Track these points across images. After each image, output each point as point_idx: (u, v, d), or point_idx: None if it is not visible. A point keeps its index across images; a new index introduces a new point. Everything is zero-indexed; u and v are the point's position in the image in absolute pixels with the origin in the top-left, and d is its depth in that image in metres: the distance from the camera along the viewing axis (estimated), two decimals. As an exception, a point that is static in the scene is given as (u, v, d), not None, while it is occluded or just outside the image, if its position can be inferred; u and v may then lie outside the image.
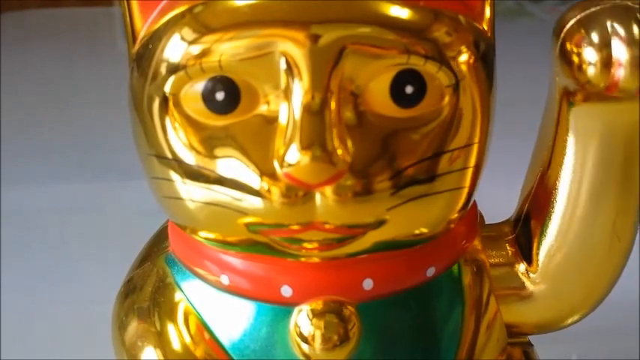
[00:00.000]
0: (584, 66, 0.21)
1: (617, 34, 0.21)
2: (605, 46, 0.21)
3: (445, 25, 0.21)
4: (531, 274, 0.25)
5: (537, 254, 0.24)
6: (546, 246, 0.24)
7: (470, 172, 0.22)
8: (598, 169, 0.23)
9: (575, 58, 0.21)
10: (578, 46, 0.21)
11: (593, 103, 0.22)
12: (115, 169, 0.56)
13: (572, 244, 0.24)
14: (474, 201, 0.25)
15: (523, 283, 0.25)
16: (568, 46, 0.21)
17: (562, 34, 0.22)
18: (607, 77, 0.21)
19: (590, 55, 0.21)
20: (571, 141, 0.23)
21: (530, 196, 0.25)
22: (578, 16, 0.21)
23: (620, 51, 0.21)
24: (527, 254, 0.25)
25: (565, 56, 0.21)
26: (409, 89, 0.21)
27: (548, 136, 0.24)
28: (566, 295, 0.25)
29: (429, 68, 0.21)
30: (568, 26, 0.21)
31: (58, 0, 0.96)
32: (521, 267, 0.25)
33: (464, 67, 0.21)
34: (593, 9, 0.21)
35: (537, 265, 0.24)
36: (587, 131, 0.23)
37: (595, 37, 0.21)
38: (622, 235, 0.24)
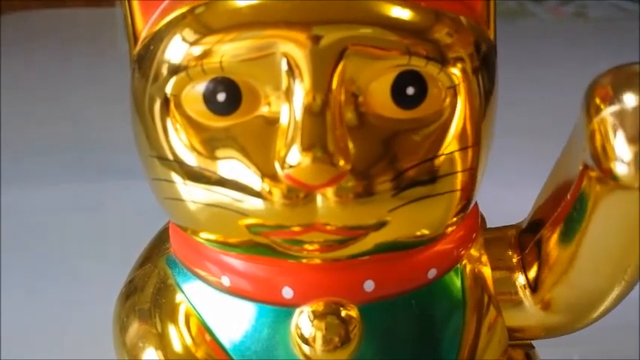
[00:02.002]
0: (616, 162, 0.20)
1: None
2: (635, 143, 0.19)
3: (446, 26, 0.21)
4: (530, 297, 0.25)
5: (544, 288, 0.24)
6: (551, 281, 0.24)
7: (471, 173, 0.22)
8: (619, 242, 0.22)
9: (606, 148, 0.20)
10: (607, 132, 0.20)
11: (617, 192, 0.21)
12: (116, 170, 0.56)
13: (578, 285, 0.24)
14: (476, 203, 0.25)
15: (518, 291, 0.25)
16: (597, 127, 0.20)
17: (593, 115, 0.20)
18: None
19: (622, 152, 0.20)
20: (594, 215, 0.22)
21: (550, 223, 0.24)
22: (614, 107, 0.20)
23: None
24: (533, 284, 0.24)
25: (593, 140, 0.20)
26: (410, 90, 0.21)
27: (570, 174, 0.23)
28: (562, 317, 0.25)
29: (430, 69, 0.21)
30: (602, 115, 0.20)
31: (60, 1, 0.96)
32: (521, 279, 0.25)
33: (465, 69, 0.21)
34: (630, 96, 0.20)
35: (536, 290, 0.24)
36: (609, 211, 0.22)
37: (629, 130, 0.20)
38: (630, 279, 0.23)
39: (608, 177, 0.20)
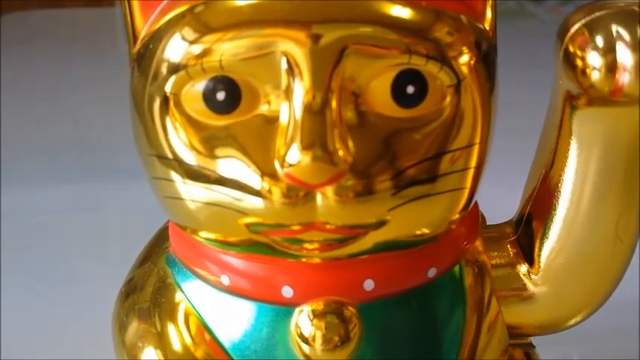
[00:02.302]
0: (588, 70, 0.21)
1: (622, 38, 0.20)
2: (609, 51, 0.21)
3: (447, 25, 0.21)
4: (533, 276, 0.25)
5: (539, 256, 0.24)
6: (548, 248, 0.24)
7: (471, 172, 0.22)
8: (600, 173, 0.23)
9: (579, 62, 0.21)
10: (582, 50, 0.21)
11: (597, 108, 0.22)
12: (116, 169, 0.56)
13: (574, 245, 0.24)
14: (476, 202, 0.25)
15: (524, 284, 0.25)
16: (572, 49, 0.21)
17: (566, 38, 0.21)
18: (611, 82, 0.21)
19: (594, 60, 0.21)
20: (573, 144, 0.23)
21: (532, 198, 0.25)
22: (583, 20, 0.21)
23: (624, 56, 0.20)
24: (528, 255, 0.25)
25: (569, 60, 0.21)
26: (410, 89, 0.21)
27: (550, 139, 0.24)
28: (568, 297, 0.25)
29: (430, 68, 0.21)
30: (572, 30, 0.21)
31: (60, 0, 0.96)
32: (523, 268, 0.25)
33: (465, 68, 0.21)
34: (597, 13, 0.21)
35: (539, 267, 0.24)
36: (589, 135, 0.23)
37: (600, 41, 0.21)
38: (624, 237, 0.24)
39: (587, 87, 0.21)
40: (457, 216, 0.23)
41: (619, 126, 0.22)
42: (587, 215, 0.23)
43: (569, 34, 0.21)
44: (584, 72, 0.21)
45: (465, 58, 0.21)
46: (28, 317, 0.43)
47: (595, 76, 0.21)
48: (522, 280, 0.25)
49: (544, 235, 0.24)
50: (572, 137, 0.23)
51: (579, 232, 0.24)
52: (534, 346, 0.27)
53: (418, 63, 0.21)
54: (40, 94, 0.74)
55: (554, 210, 0.24)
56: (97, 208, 0.54)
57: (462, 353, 0.24)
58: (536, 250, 0.24)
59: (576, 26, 0.21)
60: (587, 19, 0.21)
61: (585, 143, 0.23)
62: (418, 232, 0.22)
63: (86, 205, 0.55)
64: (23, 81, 0.77)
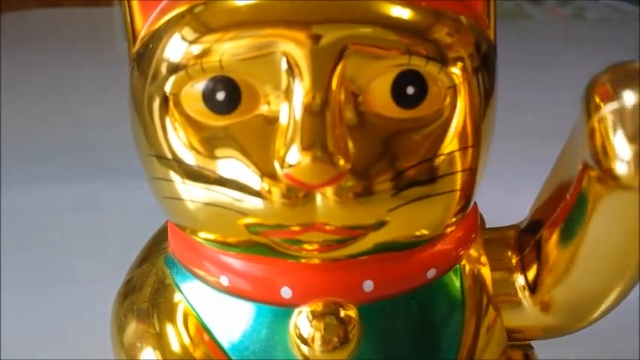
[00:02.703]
0: (616, 162, 0.20)
1: None
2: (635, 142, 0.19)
3: (447, 25, 0.21)
4: (529, 298, 0.24)
5: (544, 290, 0.24)
6: (556, 290, 0.24)
7: (470, 173, 0.22)
8: (618, 243, 0.22)
9: (606, 147, 0.20)
10: (607, 130, 0.20)
11: (617, 192, 0.21)
12: (115, 169, 0.56)
13: (581, 290, 0.24)
14: (475, 203, 0.25)
15: (517, 292, 0.25)
16: (596, 125, 0.20)
17: (593, 116, 0.20)
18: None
19: (622, 151, 0.20)
20: (594, 215, 0.22)
21: (546, 225, 0.24)
22: (613, 104, 0.20)
23: None
24: (531, 284, 0.24)
25: (593, 139, 0.20)
26: (410, 90, 0.21)
27: (569, 174, 0.23)
28: (571, 315, 0.25)
29: (430, 69, 0.21)
30: (601, 113, 0.20)
31: (58, 0, 0.96)
32: (520, 280, 0.25)
33: (465, 68, 0.21)
34: (629, 93, 0.20)
35: (541, 299, 0.24)
36: (609, 211, 0.22)
37: (629, 129, 0.19)
38: (629, 281, 0.23)
39: (608, 176, 0.20)
40: (456, 217, 0.23)
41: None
42: (599, 273, 0.23)
43: (597, 117, 0.20)
44: (609, 158, 0.20)
45: (464, 59, 0.21)
46: (27, 317, 0.43)
47: (622, 169, 0.20)
48: (516, 290, 0.25)
49: (552, 279, 0.24)
50: (591, 207, 0.22)
51: (586, 278, 0.23)
52: (532, 347, 0.27)
53: (418, 64, 0.21)
54: (40, 93, 0.74)
55: (570, 266, 0.23)
56: (96, 208, 0.54)
57: (461, 354, 0.24)
58: (542, 284, 0.24)
59: (605, 110, 0.20)
60: (617, 103, 0.20)
61: (604, 217, 0.22)
62: (418, 233, 0.22)
63: (86, 205, 0.55)
64: (22, 81, 0.77)
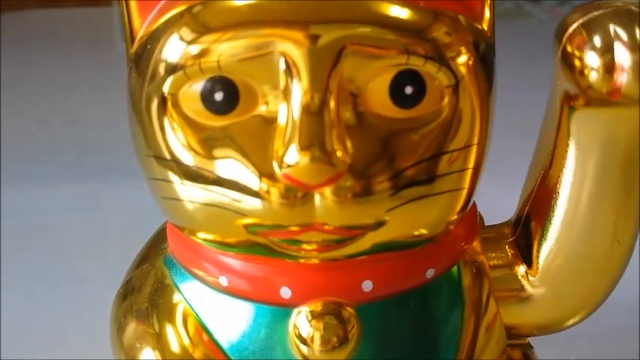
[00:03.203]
0: (585, 71, 0.21)
1: (619, 38, 0.20)
2: (607, 51, 0.20)
3: (445, 25, 0.21)
4: (531, 277, 0.25)
5: (537, 257, 0.24)
6: (546, 249, 0.24)
7: (469, 173, 0.22)
8: (599, 174, 0.23)
9: (577, 63, 0.21)
10: (580, 50, 0.21)
11: (595, 108, 0.22)
12: (115, 170, 0.56)
13: (573, 247, 0.24)
14: (474, 202, 0.25)
15: (522, 285, 0.25)
16: (570, 49, 0.21)
17: (564, 38, 0.21)
18: (609, 83, 0.21)
19: (592, 60, 0.21)
20: (572, 145, 0.23)
21: (531, 199, 0.25)
22: (581, 20, 0.21)
23: (622, 56, 0.20)
24: (526, 257, 0.25)
25: (567, 60, 0.21)
26: (409, 90, 0.21)
27: (548, 139, 0.24)
28: (567, 297, 0.25)
29: (428, 69, 0.21)
30: (570, 30, 0.21)
31: (58, 0, 0.96)
32: (521, 269, 0.25)
33: (463, 68, 0.21)
34: (595, 13, 0.21)
35: (537, 268, 0.24)
36: (588, 136, 0.23)
37: (597, 41, 0.21)
38: (622, 238, 0.24)
39: (585, 88, 0.21)
40: (455, 217, 0.23)
41: (617, 127, 0.22)
42: (586, 216, 0.23)
43: (567, 34, 0.21)
44: (582, 72, 0.21)
45: (463, 59, 0.21)
46: (27, 317, 0.44)
47: (593, 76, 0.21)
48: (520, 282, 0.25)
49: (542, 237, 0.24)
50: (571, 138, 0.23)
51: (577, 233, 0.24)
52: (532, 347, 0.27)
53: (416, 63, 0.21)
54: (39, 93, 0.74)
55: (553, 211, 0.24)
56: (96, 208, 0.55)
57: (460, 354, 0.24)
58: (534, 251, 0.24)
59: (574, 26, 0.21)
60: (585, 18, 0.21)
61: (583, 144, 0.23)
62: (416, 233, 0.22)
63: (86, 205, 0.55)
64: (22, 81, 0.77)
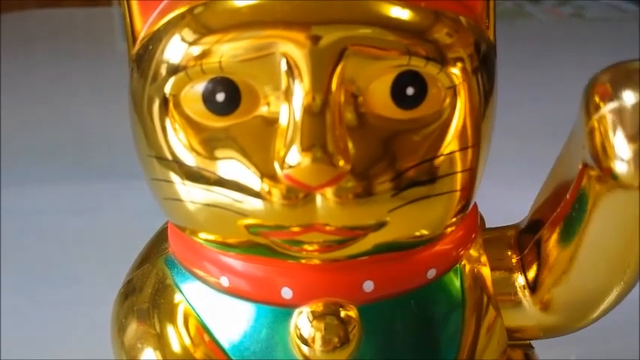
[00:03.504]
0: (615, 161, 0.20)
1: None
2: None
3: (446, 26, 0.21)
4: (529, 297, 0.24)
5: (544, 290, 0.24)
6: (555, 285, 0.24)
7: (470, 173, 0.22)
8: (618, 242, 0.22)
9: (606, 147, 0.20)
10: (609, 133, 0.20)
11: (617, 191, 0.21)
12: (115, 170, 0.56)
13: (582, 285, 0.24)
14: (475, 203, 0.25)
15: (517, 292, 0.25)
16: (596, 125, 0.20)
17: (593, 118, 0.20)
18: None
19: (622, 150, 0.20)
20: (594, 214, 0.22)
21: (546, 224, 0.24)
22: (611, 105, 0.20)
23: None
24: (532, 284, 0.24)
25: (593, 138, 0.20)
26: (410, 91, 0.21)
27: (569, 174, 0.23)
28: (566, 318, 0.25)
29: (429, 70, 0.21)
30: (600, 112, 0.20)
31: (58, 0, 0.96)
32: (520, 280, 0.25)
33: (465, 69, 0.21)
34: (628, 94, 0.20)
35: (541, 299, 0.24)
36: (609, 210, 0.22)
37: (629, 129, 0.19)
38: (629, 280, 0.23)
39: (608, 176, 0.20)
40: (456, 217, 0.23)
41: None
42: (598, 272, 0.23)
43: (598, 116, 0.20)
44: (607, 155, 0.20)
45: (464, 60, 0.21)
46: (27, 317, 0.44)
47: (621, 168, 0.20)
48: (516, 289, 0.25)
49: (552, 278, 0.24)
50: (590, 198, 0.22)
51: (586, 277, 0.23)
52: (533, 347, 0.27)
53: (418, 64, 0.21)
54: (39, 93, 0.74)
55: (570, 267, 0.23)
56: (96, 208, 0.55)
57: (461, 354, 0.24)
58: (542, 284, 0.24)
59: (604, 110, 0.20)
60: (617, 103, 0.20)
61: (602, 210, 0.22)
62: (418, 234, 0.22)
63: (86, 205, 0.55)
64: (22, 81, 0.77)
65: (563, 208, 0.23)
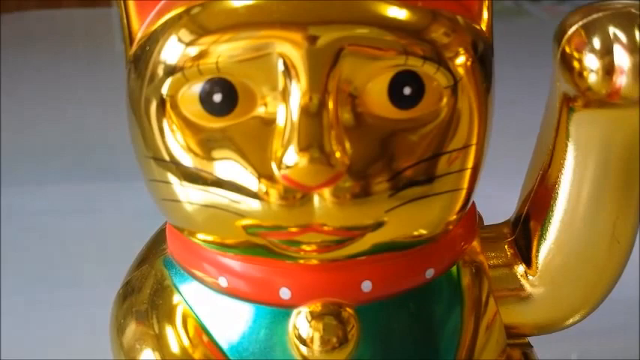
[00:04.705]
0: (585, 72, 0.21)
1: (619, 40, 0.20)
2: (606, 53, 0.20)
3: (443, 25, 0.21)
4: (530, 277, 0.25)
5: (536, 257, 0.24)
6: (545, 249, 0.24)
7: (468, 173, 0.22)
8: (598, 174, 0.23)
9: (576, 64, 0.21)
10: (580, 52, 0.21)
11: (594, 110, 0.22)
12: (114, 171, 0.56)
13: (572, 246, 0.24)
14: (473, 202, 0.25)
15: (522, 284, 0.25)
16: (569, 51, 0.21)
17: (563, 40, 0.21)
18: (608, 84, 0.21)
19: (591, 62, 0.21)
20: (571, 146, 0.23)
21: (530, 198, 0.25)
22: (580, 22, 0.21)
23: (622, 58, 0.20)
24: (526, 256, 0.25)
25: (566, 62, 0.21)
26: (407, 90, 0.21)
27: (547, 139, 0.24)
28: (566, 297, 0.25)
29: (427, 69, 0.21)
30: (569, 32, 0.21)
31: (57, 1, 0.96)
32: (520, 269, 0.25)
33: (462, 68, 0.21)
34: (595, 15, 0.21)
35: (536, 268, 0.24)
36: (587, 137, 0.23)
37: (597, 43, 0.21)
38: (622, 238, 0.24)
39: (584, 90, 0.21)
40: (455, 217, 0.23)
41: (616, 128, 0.22)
42: (585, 216, 0.23)
43: (566, 36, 0.21)
44: (581, 74, 0.21)
45: (461, 59, 0.21)
46: (27, 318, 0.43)
47: (592, 78, 0.21)
48: (520, 281, 0.25)
49: (541, 237, 0.24)
50: (570, 139, 0.23)
51: (577, 233, 0.24)
52: (532, 346, 0.27)
53: (415, 64, 0.21)
54: (39, 94, 0.74)
55: (552, 211, 0.24)
56: (96, 209, 0.54)
57: (460, 353, 0.24)
58: (534, 251, 0.24)
59: (573, 28, 0.21)
60: (585, 20, 0.21)
61: (582, 145, 0.23)
62: (416, 233, 0.22)
63: (85, 206, 0.55)
64: (21, 81, 0.77)
65: (543, 167, 0.24)
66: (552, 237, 0.24)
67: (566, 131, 0.23)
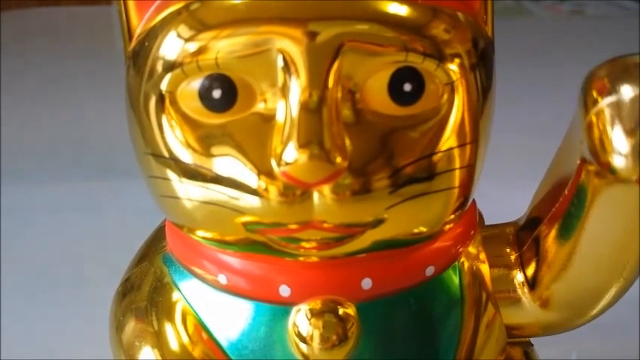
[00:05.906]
0: (613, 155, 0.20)
1: None
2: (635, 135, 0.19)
3: (444, 22, 0.21)
4: (528, 294, 0.24)
5: (543, 288, 0.24)
6: (555, 287, 0.24)
7: (468, 170, 0.22)
8: (617, 237, 0.22)
9: (604, 141, 0.20)
10: (606, 127, 0.20)
11: (615, 185, 0.21)
12: (114, 169, 0.56)
13: (581, 282, 0.24)
14: (474, 200, 0.25)
15: (516, 290, 0.25)
16: (594, 120, 0.20)
17: (590, 112, 0.20)
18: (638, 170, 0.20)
19: (620, 144, 0.20)
20: (592, 210, 0.22)
21: (545, 221, 0.24)
22: (609, 99, 0.20)
23: None
24: (532, 282, 0.24)
25: (591, 133, 0.20)
26: (407, 87, 0.21)
27: (567, 170, 0.22)
28: (566, 314, 0.25)
29: (427, 66, 0.21)
30: (598, 106, 0.20)
31: (56, -1, 0.96)
32: (519, 277, 0.25)
33: (462, 65, 0.21)
34: (626, 87, 0.20)
35: (540, 295, 0.24)
36: (608, 205, 0.21)
37: (627, 123, 0.19)
38: (629, 276, 0.23)
39: (606, 170, 0.20)
40: (455, 214, 0.23)
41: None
42: (607, 260, 0.23)
43: (595, 110, 0.20)
44: (605, 150, 0.20)
45: (462, 56, 0.21)
46: (27, 317, 0.43)
47: (619, 161, 0.20)
48: (515, 286, 0.25)
49: (551, 274, 0.24)
50: (589, 194, 0.22)
51: (585, 274, 0.23)
52: (532, 345, 0.27)
53: (415, 60, 0.21)
54: (39, 92, 0.74)
55: (568, 262, 0.23)
56: (96, 207, 0.55)
57: (460, 352, 0.24)
58: (542, 282, 0.24)
59: (601, 104, 0.20)
60: (614, 97, 0.20)
61: (602, 205, 0.22)
62: (416, 231, 0.22)
63: (85, 204, 0.55)
64: (21, 79, 0.77)
65: (562, 204, 0.23)
66: (564, 278, 0.23)
67: (587, 190, 0.21)
